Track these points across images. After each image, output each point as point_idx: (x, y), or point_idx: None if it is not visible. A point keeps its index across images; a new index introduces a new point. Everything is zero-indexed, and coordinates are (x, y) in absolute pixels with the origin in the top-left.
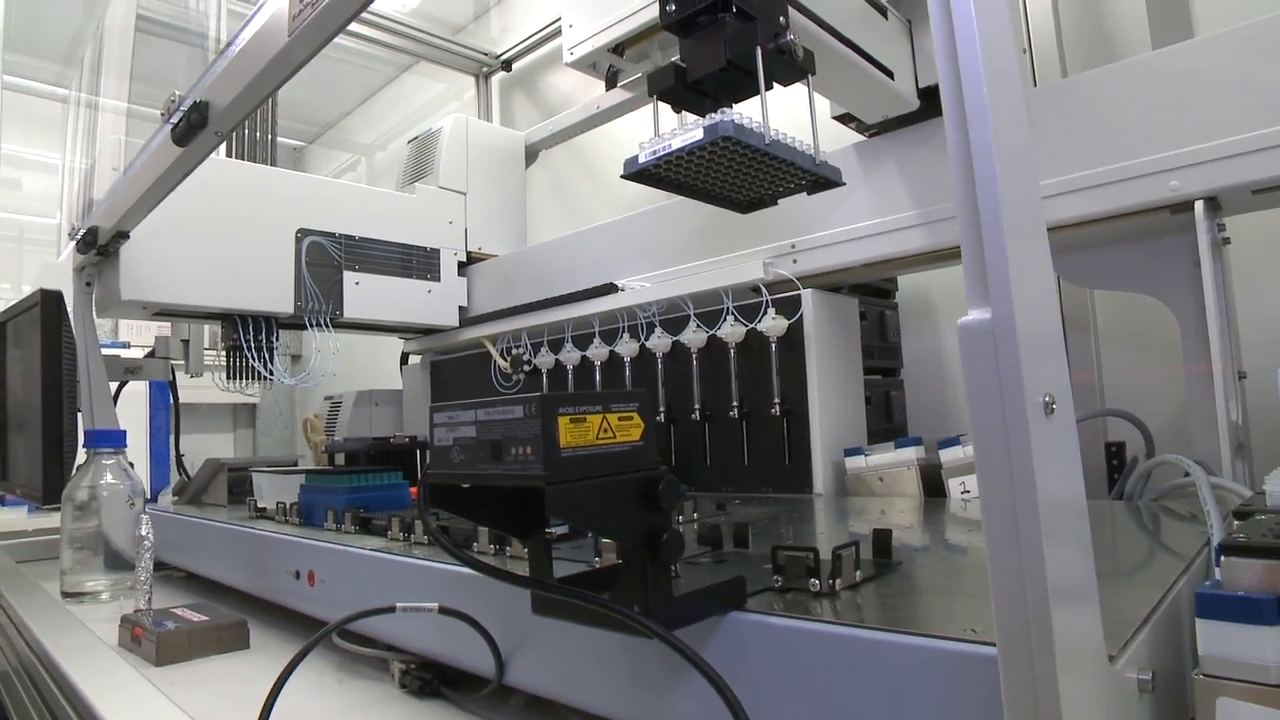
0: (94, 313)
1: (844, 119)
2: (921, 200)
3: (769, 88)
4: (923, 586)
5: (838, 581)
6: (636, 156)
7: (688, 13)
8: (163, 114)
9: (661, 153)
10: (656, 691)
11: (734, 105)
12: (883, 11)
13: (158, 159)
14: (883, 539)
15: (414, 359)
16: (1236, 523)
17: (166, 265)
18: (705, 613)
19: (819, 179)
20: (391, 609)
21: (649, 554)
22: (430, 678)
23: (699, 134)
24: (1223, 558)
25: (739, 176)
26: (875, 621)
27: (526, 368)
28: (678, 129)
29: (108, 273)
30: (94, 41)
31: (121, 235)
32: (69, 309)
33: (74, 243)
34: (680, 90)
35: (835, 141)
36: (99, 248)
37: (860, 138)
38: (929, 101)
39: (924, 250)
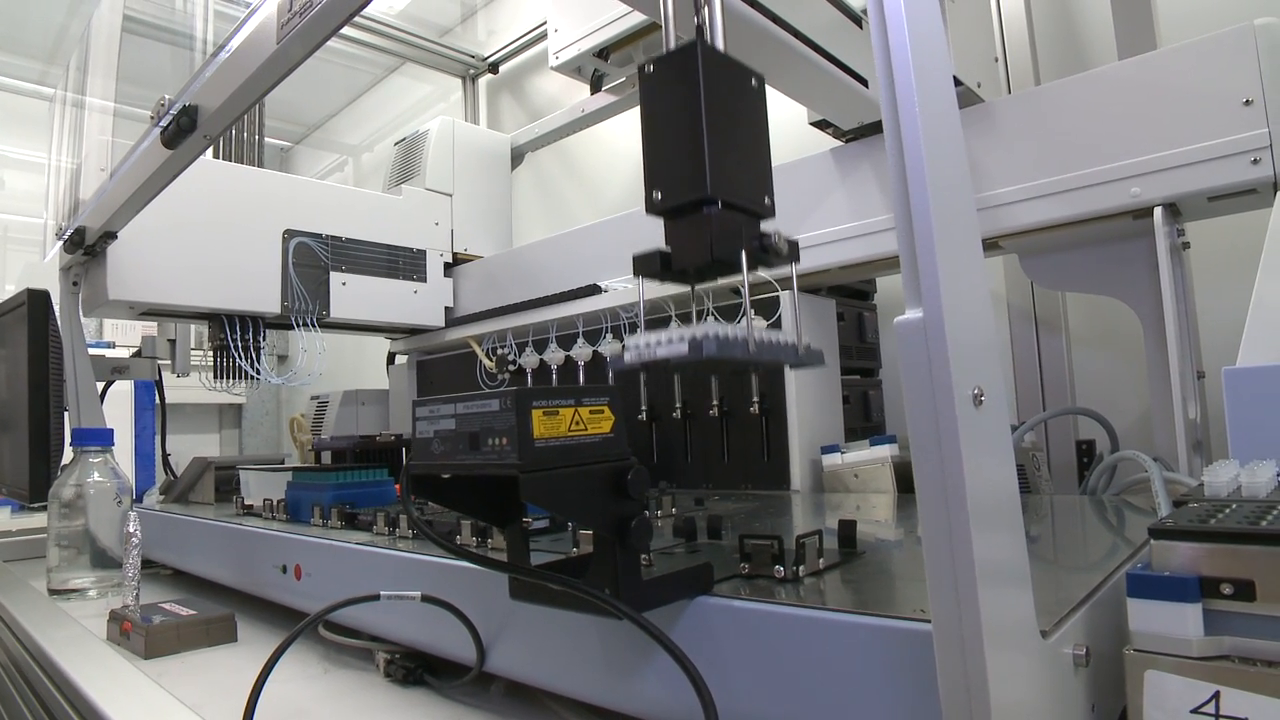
0: (80, 312)
1: (821, 125)
2: None
3: (753, 269)
4: (883, 573)
5: (801, 568)
6: (624, 355)
7: (674, 205)
8: (152, 117)
9: (647, 358)
10: (628, 673)
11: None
12: (858, 21)
13: (146, 161)
14: (847, 529)
15: (400, 359)
16: (1175, 510)
17: (154, 265)
18: (673, 596)
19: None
20: (376, 597)
21: (619, 540)
22: (414, 666)
23: (684, 349)
24: (1151, 541)
25: (722, 366)
26: (833, 604)
27: (511, 367)
28: (663, 333)
29: (95, 272)
30: (81, 41)
31: (109, 235)
32: (55, 308)
33: (61, 242)
34: (665, 272)
35: (815, 146)
36: (86, 248)
37: (837, 143)
38: None
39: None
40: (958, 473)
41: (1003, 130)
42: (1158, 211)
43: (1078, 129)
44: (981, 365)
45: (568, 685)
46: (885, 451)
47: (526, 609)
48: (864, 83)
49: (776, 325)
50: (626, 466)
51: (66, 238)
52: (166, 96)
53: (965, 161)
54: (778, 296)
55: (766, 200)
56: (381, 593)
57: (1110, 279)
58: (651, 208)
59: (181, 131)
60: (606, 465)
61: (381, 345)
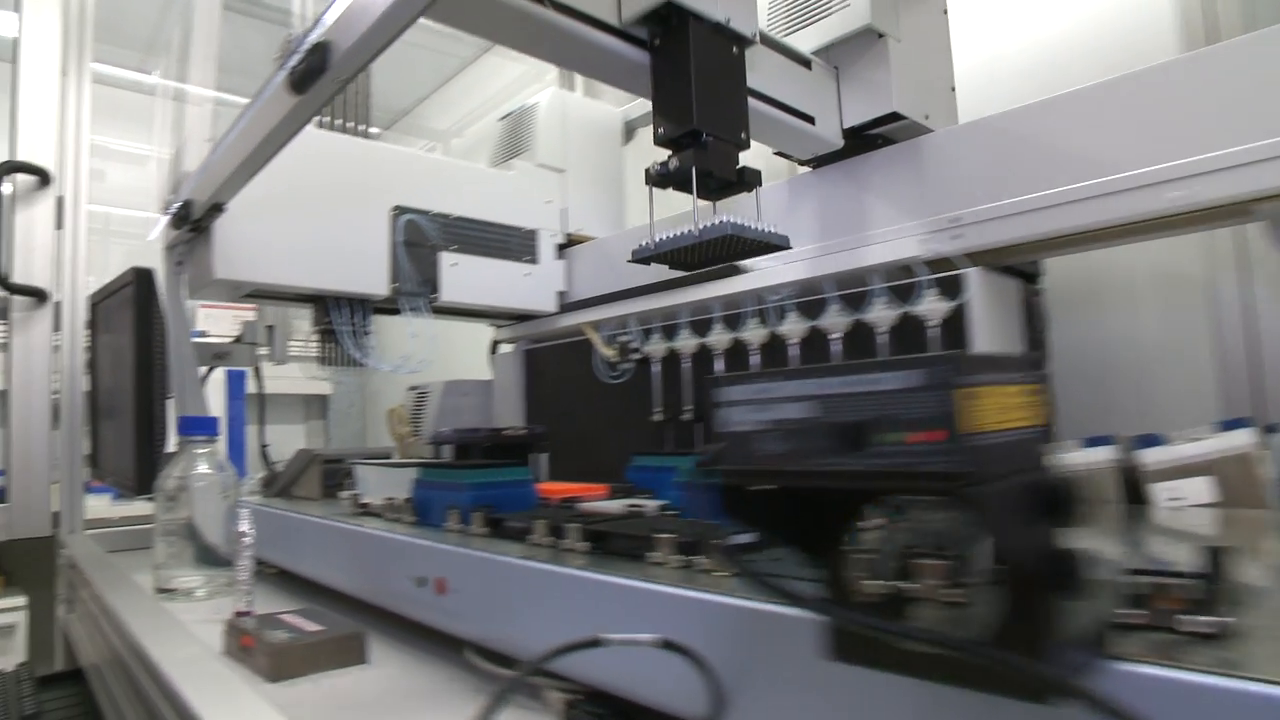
0: (186, 293)
1: (782, 154)
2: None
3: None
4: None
5: (1212, 618)
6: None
7: (674, 136)
8: (277, 58)
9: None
10: None
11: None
12: (806, 64)
13: (269, 110)
14: (1219, 561)
15: (504, 347)
16: None
17: (260, 243)
18: (1083, 663)
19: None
20: (596, 642)
21: (1050, 583)
22: (604, 713)
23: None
24: None
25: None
26: None
27: (635, 355)
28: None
29: (200, 250)
30: (181, 22)
31: (217, 208)
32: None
33: (166, 219)
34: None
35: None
36: (193, 222)
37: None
38: (854, 140)
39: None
40: None
41: None
42: None
43: None
44: None
45: None
46: (1108, 454)
47: (783, 658)
48: (810, 120)
49: (961, 308)
50: (1061, 476)
51: (174, 212)
52: (293, 32)
53: None
54: (958, 275)
55: (743, 135)
56: (605, 636)
57: None
58: (658, 139)
59: (312, 73)
60: (1052, 474)
61: (473, 333)
